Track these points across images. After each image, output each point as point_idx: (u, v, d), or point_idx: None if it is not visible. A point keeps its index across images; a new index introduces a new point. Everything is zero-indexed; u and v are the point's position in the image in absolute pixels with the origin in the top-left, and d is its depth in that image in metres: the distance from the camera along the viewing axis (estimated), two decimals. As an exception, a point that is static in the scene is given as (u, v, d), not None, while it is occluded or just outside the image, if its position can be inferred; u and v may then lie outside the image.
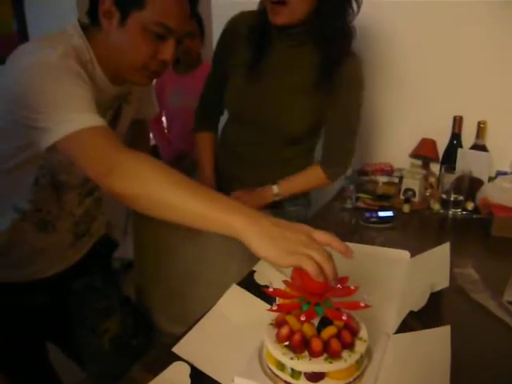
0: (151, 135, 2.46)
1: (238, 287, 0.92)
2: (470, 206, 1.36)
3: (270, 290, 0.75)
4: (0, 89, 0.83)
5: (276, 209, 1.31)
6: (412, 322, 0.81)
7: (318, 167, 1.29)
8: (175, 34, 0.90)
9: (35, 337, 1.17)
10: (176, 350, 0.74)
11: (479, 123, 1.45)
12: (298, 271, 0.68)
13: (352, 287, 0.73)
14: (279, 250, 0.64)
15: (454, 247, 1.10)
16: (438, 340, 0.73)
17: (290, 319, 0.70)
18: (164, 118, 2.26)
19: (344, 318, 0.67)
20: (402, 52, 1.60)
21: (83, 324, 1.15)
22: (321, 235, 0.68)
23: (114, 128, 1.04)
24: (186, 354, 0.74)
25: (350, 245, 1.12)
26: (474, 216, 1.34)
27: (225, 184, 1.37)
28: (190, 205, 0.69)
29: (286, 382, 0.67)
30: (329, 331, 0.67)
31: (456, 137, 1.48)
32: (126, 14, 0.86)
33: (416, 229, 1.35)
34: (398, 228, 1.31)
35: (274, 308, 0.71)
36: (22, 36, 2.42)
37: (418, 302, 0.83)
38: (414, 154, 1.57)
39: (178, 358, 0.73)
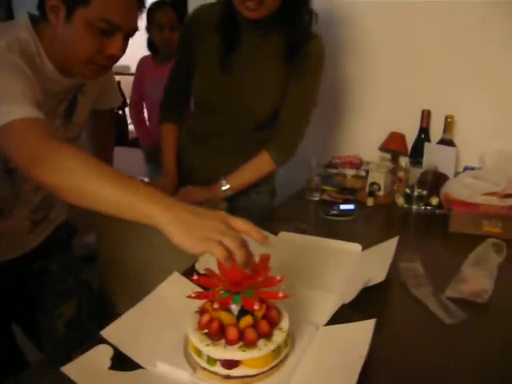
0: (132, 126, 2.48)
1: (179, 274, 0.93)
2: (434, 201, 1.36)
3: (195, 277, 0.75)
4: None
5: (241, 195, 1.32)
6: (346, 315, 0.82)
7: (265, 153, 1.29)
8: (121, 29, 0.90)
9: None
10: (103, 333, 0.75)
11: (446, 117, 1.45)
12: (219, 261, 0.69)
13: (278, 277, 0.73)
14: (192, 238, 0.64)
15: (407, 242, 1.11)
16: (360, 333, 0.74)
17: (209, 306, 0.71)
18: (145, 108, 2.26)
19: (256, 307, 0.67)
20: (371, 45, 1.59)
21: (40, 307, 1.16)
22: (238, 223, 0.68)
23: (69, 119, 1.05)
24: (112, 338, 0.75)
25: (304, 237, 1.15)
26: (437, 211, 1.34)
27: (194, 176, 1.38)
28: (112, 195, 0.69)
29: (203, 368, 0.68)
30: (246, 321, 0.68)
31: (424, 131, 1.48)
32: (72, 9, 0.87)
33: (377, 223, 1.35)
34: (359, 221, 1.31)
35: (193, 295, 0.72)
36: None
37: (350, 295, 0.83)
38: (383, 148, 1.56)
39: (106, 342, 0.74)
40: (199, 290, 0.86)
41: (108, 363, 0.71)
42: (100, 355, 0.72)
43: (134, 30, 0.94)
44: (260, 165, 1.30)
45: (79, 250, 1.46)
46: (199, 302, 0.75)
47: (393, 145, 1.52)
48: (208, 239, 0.64)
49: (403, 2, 1.50)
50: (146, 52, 2.22)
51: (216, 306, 0.68)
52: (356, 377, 0.63)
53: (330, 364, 0.70)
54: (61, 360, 1.05)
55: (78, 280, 1.24)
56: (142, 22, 1.04)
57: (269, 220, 1.30)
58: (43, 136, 0.78)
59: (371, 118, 1.64)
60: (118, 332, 0.77)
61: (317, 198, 1.44)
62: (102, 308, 1.27)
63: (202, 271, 0.94)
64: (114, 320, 0.83)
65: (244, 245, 0.65)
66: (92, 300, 1.24)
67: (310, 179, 1.46)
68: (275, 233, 1.16)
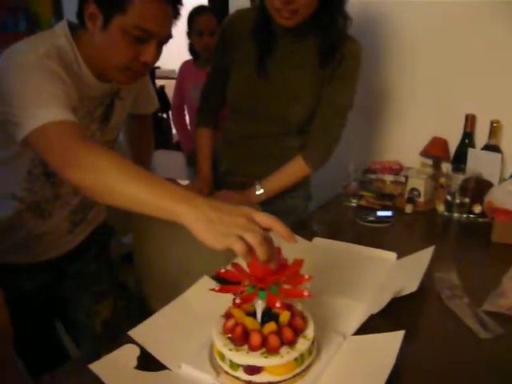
0: (174, 130, 2.54)
1: (208, 278, 0.94)
2: (477, 209, 1.31)
3: (222, 270, 0.76)
4: None
5: (276, 199, 1.32)
6: (376, 324, 0.80)
7: (300, 158, 1.28)
8: (156, 36, 0.93)
9: (40, 315, 1.25)
10: (131, 333, 0.78)
11: (492, 122, 1.38)
12: None
13: (306, 276, 0.73)
14: (215, 234, 0.65)
15: (446, 251, 1.07)
16: (388, 344, 0.72)
17: (236, 312, 0.71)
18: (186, 112, 2.31)
19: (278, 305, 0.67)
20: (413, 49, 1.56)
21: (78, 306, 1.21)
22: (262, 217, 0.68)
23: (106, 123, 1.09)
24: (139, 338, 0.77)
25: (339, 244, 1.13)
26: (480, 220, 1.29)
27: (229, 179, 1.40)
28: (138, 193, 0.72)
29: (226, 372, 0.69)
30: (269, 327, 0.68)
31: (468, 136, 1.42)
32: (109, 17, 0.90)
33: (415, 231, 1.31)
34: (396, 229, 1.28)
35: (217, 289, 0.73)
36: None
37: (380, 305, 0.81)
38: (425, 153, 1.52)
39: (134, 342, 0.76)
40: (229, 297, 0.87)
41: (134, 363, 0.73)
42: (127, 354, 0.74)
43: (167, 37, 0.96)
44: (295, 169, 1.29)
45: (116, 251, 1.51)
46: (226, 306, 0.76)
47: (435, 150, 1.47)
48: (229, 235, 0.64)
49: (444, 2, 1.46)
50: (189, 56, 2.27)
51: (238, 300, 0.68)
52: None
53: (354, 375, 0.69)
54: (97, 358, 1.09)
55: (114, 281, 1.28)
56: (179, 28, 1.07)
57: (303, 225, 1.29)
58: (75, 138, 0.81)
59: (412, 122, 1.60)
60: (146, 332, 0.79)
61: (354, 204, 1.42)
62: (139, 309, 1.30)
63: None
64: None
65: (266, 240, 0.65)
66: (128, 301, 1.27)
67: (348, 184, 1.44)
68: (309, 238, 1.16)
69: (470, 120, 1.41)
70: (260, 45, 1.24)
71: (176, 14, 0.97)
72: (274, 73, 1.26)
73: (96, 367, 0.70)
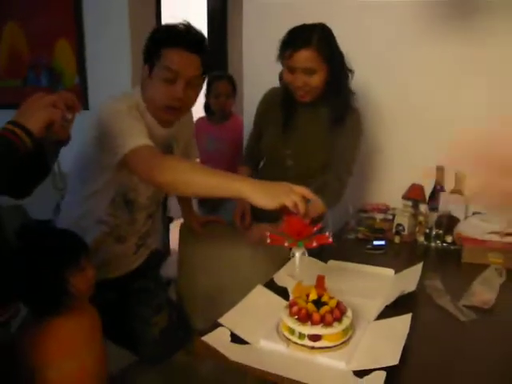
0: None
1: (262, 287, 1.26)
2: (448, 238, 1.68)
3: (268, 233, 1.10)
4: (92, 121, 1.26)
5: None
6: (388, 315, 1.13)
7: (319, 200, 1.63)
8: (182, 76, 1.26)
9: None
10: (221, 320, 1.08)
11: (456, 173, 1.80)
12: (289, 217, 1.05)
13: (327, 233, 1.12)
14: (269, 197, 1.00)
15: (429, 267, 1.42)
16: (401, 321, 1.05)
17: (299, 301, 1.04)
18: (198, 160, 2.66)
19: (314, 244, 1.07)
20: (393, 115, 1.99)
21: (140, 318, 1.48)
22: (297, 188, 1.04)
23: None
24: (227, 323, 1.07)
25: (348, 264, 1.47)
26: (452, 247, 1.66)
27: (266, 214, 1.74)
28: (209, 180, 1.06)
29: (294, 342, 1.00)
30: (324, 309, 1.01)
31: (438, 183, 1.82)
32: (152, 67, 1.28)
33: (403, 255, 1.67)
34: (389, 254, 1.63)
35: (268, 241, 1.08)
36: (82, 88, 2.88)
37: (391, 299, 1.15)
38: (406, 197, 1.90)
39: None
40: (280, 299, 1.19)
41: (228, 338, 1.03)
42: (221, 334, 1.04)
43: (192, 76, 1.29)
44: (315, 207, 1.64)
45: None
46: (284, 305, 1.08)
47: (414, 194, 1.86)
48: (279, 196, 0.99)
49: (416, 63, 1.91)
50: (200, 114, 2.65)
51: (286, 243, 1.05)
52: (399, 353, 0.92)
53: (381, 341, 1.01)
54: (156, 360, 1.39)
55: (167, 296, 1.57)
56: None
57: (320, 251, 1.63)
58: (157, 153, 1.17)
59: (396, 172, 2.01)
60: (230, 320, 1.09)
61: (352, 237, 1.78)
62: (185, 323, 1.58)
63: (279, 284, 1.27)
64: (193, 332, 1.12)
65: (304, 199, 1.01)
66: (178, 313, 1.56)
67: (348, 222, 1.80)
68: (325, 261, 1.49)
69: (440, 171, 1.83)
70: (285, 112, 1.62)
71: (201, 56, 1.30)
72: (296, 132, 1.64)
73: (206, 339, 0.99)
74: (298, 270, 1.08)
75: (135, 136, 1.17)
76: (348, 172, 1.64)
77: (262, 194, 1.00)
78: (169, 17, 2.97)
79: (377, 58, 1.96)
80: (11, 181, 0.91)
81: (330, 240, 1.09)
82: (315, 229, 1.09)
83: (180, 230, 1.72)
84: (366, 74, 1.75)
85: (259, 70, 2.18)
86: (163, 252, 1.63)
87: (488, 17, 1.78)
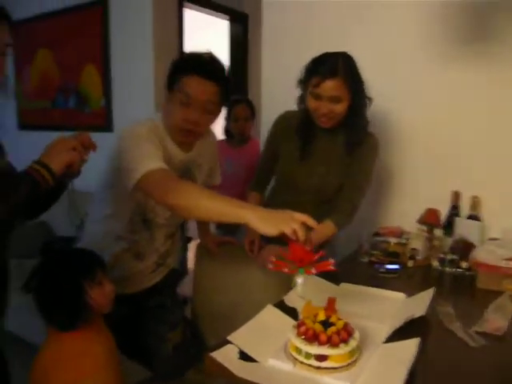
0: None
1: (272, 306, 1.28)
2: (464, 264, 1.67)
3: (273, 259, 1.12)
4: (114, 144, 1.33)
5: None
6: (398, 338, 1.13)
7: (329, 220, 1.65)
8: (197, 101, 1.32)
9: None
10: (230, 337, 1.10)
11: (473, 197, 1.80)
12: (291, 244, 1.07)
13: (330, 260, 1.13)
14: (271, 225, 1.04)
15: (442, 293, 1.42)
16: (409, 345, 1.06)
17: (307, 321, 1.05)
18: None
19: (313, 271, 1.08)
20: (411, 138, 2.01)
21: (154, 333, 1.52)
22: (298, 215, 1.07)
23: None
24: (235, 341, 1.09)
25: (360, 287, 1.48)
26: (467, 273, 1.65)
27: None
28: (217, 206, 1.10)
29: (301, 362, 1.01)
30: (331, 330, 1.02)
31: (454, 207, 1.82)
32: (170, 92, 1.34)
33: (417, 280, 1.66)
34: (402, 278, 1.63)
35: (271, 266, 1.10)
36: (107, 110, 3.00)
37: (400, 322, 1.16)
38: (421, 221, 1.91)
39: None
40: (289, 319, 1.21)
41: (236, 356, 1.05)
42: (229, 351, 1.06)
43: (207, 102, 1.34)
44: (325, 229, 1.66)
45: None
46: (291, 324, 1.10)
47: (429, 219, 1.86)
48: (280, 224, 1.03)
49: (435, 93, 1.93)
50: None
51: (286, 270, 1.08)
52: (404, 377, 0.93)
53: (387, 365, 1.02)
54: (169, 376, 1.41)
55: (183, 313, 1.60)
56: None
57: (332, 274, 1.64)
58: (171, 177, 1.22)
59: (410, 196, 2.02)
60: (239, 337, 1.11)
61: (366, 260, 1.78)
62: (198, 340, 1.61)
63: (289, 304, 1.29)
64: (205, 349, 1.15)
65: (304, 227, 1.03)
66: (192, 331, 1.58)
67: (361, 245, 1.81)
68: (337, 284, 1.50)
69: (456, 195, 1.83)
70: (302, 139, 1.66)
71: (223, 91, 1.36)
72: (313, 159, 1.68)
73: (214, 355, 1.02)
74: (301, 294, 1.10)
75: (150, 160, 1.22)
76: (360, 195, 1.66)
77: (264, 222, 1.04)
78: (190, 42, 3.09)
79: (390, 82, 2.00)
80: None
81: (332, 267, 1.11)
82: (317, 256, 1.11)
83: (196, 250, 1.76)
84: (384, 98, 1.79)
85: (276, 94, 2.25)
86: (181, 271, 1.67)
87: None
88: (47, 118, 3.33)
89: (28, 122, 3.53)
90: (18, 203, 0.94)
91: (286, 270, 1.08)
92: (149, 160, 1.22)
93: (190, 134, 1.38)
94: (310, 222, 1.07)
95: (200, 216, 1.18)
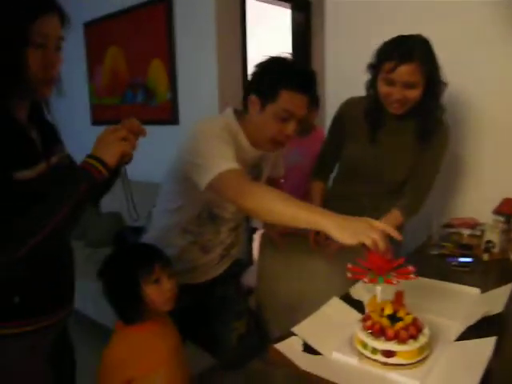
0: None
1: (337, 299, 1.26)
2: (546, 258, 1.55)
3: (350, 266, 1.08)
4: (185, 140, 1.33)
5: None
6: (471, 336, 1.07)
7: (396, 210, 1.59)
8: (296, 116, 1.32)
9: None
10: (294, 329, 1.10)
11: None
12: (369, 253, 1.03)
13: (410, 267, 1.08)
14: (348, 233, 1.01)
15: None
16: (484, 344, 1.00)
17: (373, 315, 1.02)
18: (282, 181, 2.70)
19: (394, 282, 1.02)
20: (493, 124, 1.88)
21: (220, 322, 1.54)
22: (378, 224, 1.03)
23: (258, 180, 1.47)
24: (300, 333, 1.09)
25: (430, 280, 1.41)
26: (550, 268, 1.53)
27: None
28: (292, 211, 1.09)
29: (367, 356, 0.99)
30: (398, 325, 0.98)
31: (535, 197, 1.69)
32: (264, 105, 1.31)
33: (492, 274, 1.56)
34: (476, 272, 1.54)
35: (349, 275, 1.06)
36: (173, 104, 3.08)
37: (473, 320, 1.09)
38: (497, 211, 1.79)
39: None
40: (355, 312, 1.19)
41: (301, 348, 1.04)
42: (294, 343, 1.06)
43: (303, 116, 1.34)
44: (392, 219, 1.60)
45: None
46: (357, 318, 1.07)
47: (506, 209, 1.74)
48: (359, 233, 0.99)
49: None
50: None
51: (366, 280, 1.03)
52: (479, 378, 0.88)
53: (460, 364, 0.97)
54: (233, 365, 1.43)
55: (247, 303, 1.62)
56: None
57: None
58: (245, 178, 1.21)
59: (486, 185, 1.90)
60: (303, 330, 1.10)
61: (436, 253, 1.70)
62: (262, 330, 1.62)
63: (355, 297, 1.27)
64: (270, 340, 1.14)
65: (384, 237, 0.99)
66: (256, 321, 1.60)
67: (431, 236, 1.73)
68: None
69: (537, 184, 1.69)
70: (372, 123, 1.61)
71: (315, 103, 1.35)
72: (381, 144, 1.62)
73: (278, 347, 1.02)
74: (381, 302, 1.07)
75: (224, 159, 1.21)
76: (429, 185, 1.59)
77: (342, 231, 1.02)
78: (252, 33, 3.09)
79: (465, 68, 1.88)
80: None
81: (413, 276, 1.06)
82: (396, 264, 1.07)
83: (260, 240, 1.77)
84: (459, 84, 1.68)
85: (341, 81, 2.19)
86: (245, 261, 1.69)
87: None
88: (116, 113, 3.48)
89: (99, 117, 3.71)
90: (80, 200, 0.96)
91: (365, 279, 1.05)
92: (222, 160, 1.21)
93: (279, 145, 1.39)
94: (391, 231, 1.04)
95: (273, 220, 1.16)
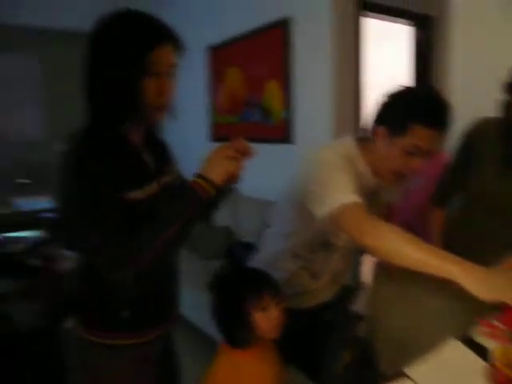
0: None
1: (457, 341, 1.14)
2: None
3: (484, 321, 0.97)
4: (302, 166, 1.33)
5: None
6: None
7: None
8: (425, 152, 1.21)
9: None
10: (407, 371, 1.02)
11: None
12: (507, 311, 0.91)
13: None
14: (485, 288, 0.91)
15: None
16: None
17: (501, 367, 0.91)
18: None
19: None
20: None
21: (326, 348, 1.49)
22: None
23: (374, 207, 1.40)
24: (414, 376, 1.00)
25: None
26: None
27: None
28: (418, 255, 1.01)
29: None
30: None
31: None
32: (392, 138, 1.23)
33: None
34: None
35: (482, 332, 0.98)
36: (288, 123, 3.12)
37: None
38: None
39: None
40: (477, 358, 1.06)
41: (414, 393, 0.96)
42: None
43: (432, 150, 1.23)
44: None
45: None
46: (480, 366, 0.96)
47: None
48: (498, 290, 0.90)
49: None
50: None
51: (500, 340, 0.95)
52: None
53: None
54: None
55: (354, 330, 1.55)
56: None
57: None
58: (366, 215, 1.15)
59: None
60: (418, 373, 1.02)
61: None
62: (369, 362, 1.53)
63: (477, 340, 1.14)
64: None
65: None
66: (365, 351, 1.52)
67: None
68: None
69: None
70: (506, 148, 1.47)
71: (445, 132, 1.23)
72: None
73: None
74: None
75: (344, 191, 1.18)
76: None
77: (479, 285, 0.93)
78: (371, 53, 3.01)
79: None
80: None
81: None
82: None
83: (375, 269, 1.69)
84: None
85: (468, 101, 2.03)
86: (353, 286, 1.63)
87: None
88: (235, 130, 3.62)
89: (218, 134, 3.90)
90: (187, 220, 0.98)
91: (499, 340, 0.95)
92: (341, 192, 1.17)
93: (404, 178, 1.31)
94: None
95: (399, 262, 1.08)
